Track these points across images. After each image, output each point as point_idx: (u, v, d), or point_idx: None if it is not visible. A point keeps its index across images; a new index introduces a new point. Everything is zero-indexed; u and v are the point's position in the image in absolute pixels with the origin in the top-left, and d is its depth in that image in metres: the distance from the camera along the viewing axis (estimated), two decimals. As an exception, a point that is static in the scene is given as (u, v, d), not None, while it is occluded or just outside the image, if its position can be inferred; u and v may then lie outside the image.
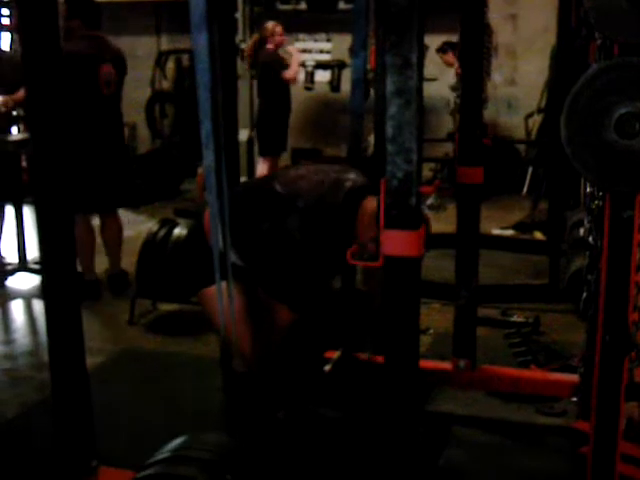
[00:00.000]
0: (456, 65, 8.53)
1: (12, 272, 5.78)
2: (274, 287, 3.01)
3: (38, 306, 5.14)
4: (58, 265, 2.36)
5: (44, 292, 2.41)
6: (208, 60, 1.85)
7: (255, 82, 8.43)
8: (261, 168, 7.97)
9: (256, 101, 8.77)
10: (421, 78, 1.97)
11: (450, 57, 8.82)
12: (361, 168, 3.28)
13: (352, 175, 3.10)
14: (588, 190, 2.68)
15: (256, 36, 8.17)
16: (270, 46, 7.86)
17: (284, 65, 7.86)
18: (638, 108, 1.85)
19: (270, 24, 7.98)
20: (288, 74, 7.80)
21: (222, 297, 2.05)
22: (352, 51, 3.64)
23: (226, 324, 2.79)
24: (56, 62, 2.24)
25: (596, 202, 2.48)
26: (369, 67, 5.07)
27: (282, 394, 3.13)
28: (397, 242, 1.97)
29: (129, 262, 5.34)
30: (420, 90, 1.97)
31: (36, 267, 5.56)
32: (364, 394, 3.46)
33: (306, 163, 3.36)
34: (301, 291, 3.04)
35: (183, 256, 3.28)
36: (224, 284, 2.04)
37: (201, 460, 2.29)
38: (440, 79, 9.15)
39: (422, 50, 2.02)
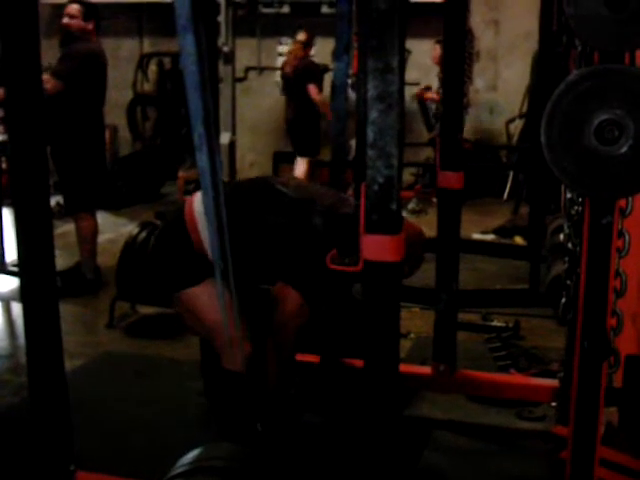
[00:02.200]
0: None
1: (-9, 274, 5.76)
2: (291, 275, 2.99)
3: (17, 309, 5.10)
4: (37, 267, 2.34)
5: (22, 294, 2.39)
6: (197, 62, 1.85)
7: (236, 85, 8.50)
8: (299, 167, 8.38)
9: (240, 104, 8.81)
10: (402, 82, 1.97)
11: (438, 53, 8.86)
12: (344, 172, 3.29)
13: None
14: (568, 196, 2.70)
15: (296, 45, 8.33)
16: (308, 53, 8.19)
17: (318, 74, 8.18)
18: (618, 115, 1.86)
19: (303, 34, 8.21)
20: (314, 93, 8.04)
21: (223, 297, 2.04)
22: (335, 55, 3.64)
23: (219, 324, 2.80)
24: (36, 63, 2.22)
25: (576, 208, 2.49)
26: (351, 71, 5.08)
27: (264, 403, 3.11)
28: (377, 247, 1.96)
29: (109, 265, 5.33)
30: (401, 94, 1.97)
31: (15, 269, 5.53)
32: (345, 399, 3.46)
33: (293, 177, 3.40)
34: (318, 281, 3.03)
35: (157, 256, 3.21)
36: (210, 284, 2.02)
37: (219, 469, 2.29)
38: (422, 83, 9.18)
39: (403, 54, 2.02)
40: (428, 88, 9.01)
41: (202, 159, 1.89)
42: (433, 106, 8.84)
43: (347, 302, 3.52)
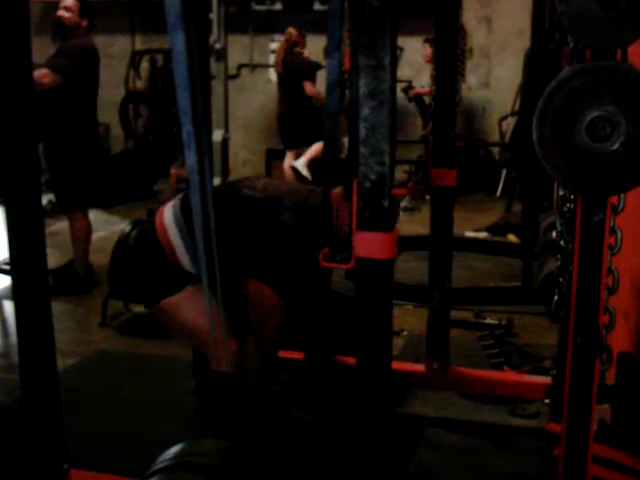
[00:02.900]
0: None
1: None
2: (265, 273, 2.98)
3: (8, 307, 5.09)
4: (28, 266, 2.33)
5: (14, 293, 2.38)
6: (186, 60, 1.85)
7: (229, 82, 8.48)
8: (288, 160, 8.40)
9: (233, 101, 8.79)
10: (394, 80, 1.96)
11: (431, 52, 8.86)
12: (337, 170, 3.29)
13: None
14: (560, 193, 2.69)
15: (284, 43, 8.29)
16: (301, 50, 8.13)
17: (312, 72, 8.17)
18: (610, 112, 1.86)
19: (294, 30, 8.19)
20: (309, 88, 8.04)
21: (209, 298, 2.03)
22: (327, 52, 3.64)
23: (204, 328, 2.80)
24: (25, 60, 2.22)
25: (568, 205, 2.49)
26: (344, 68, 5.07)
27: (252, 401, 3.11)
28: (370, 244, 1.96)
29: (101, 262, 5.31)
30: (393, 92, 1.96)
31: (6, 268, 5.52)
32: (338, 396, 3.46)
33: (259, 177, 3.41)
34: (294, 278, 3.03)
35: (132, 268, 3.24)
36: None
37: (202, 465, 2.29)
38: (415, 81, 9.19)
39: (395, 52, 2.02)
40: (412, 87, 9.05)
41: (190, 157, 1.88)
42: (426, 98, 8.85)
43: (326, 297, 3.53)
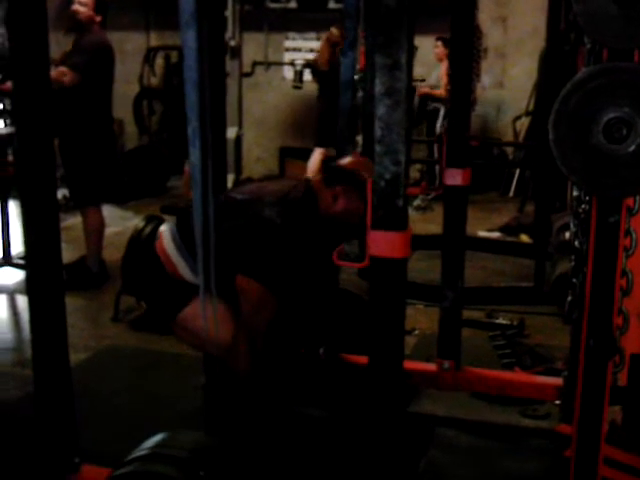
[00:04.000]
0: (443, 67, 8.64)
1: (-4, 267, 5.77)
2: (252, 268, 2.99)
3: (22, 301, 5.11)
4: (42, 260, 2.35)
5: (28, 287, 2.39)
6: (196, 57, 1.85)
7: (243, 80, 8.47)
8: (316, 157, 8.26)
9: (247, 99, 8.78)
10: (410, 79, 1.97)
11: (442, 51, 8.85)
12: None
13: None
14: (575, 194, 2.69)
15: (326, 41, 8.23)
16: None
17: None
18: (626, 113, 1.85)
19: (336, 30, 8.11)
20: None
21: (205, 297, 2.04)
22: (341, 51, 3.64)
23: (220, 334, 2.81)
24: (43, 56, 2.23)
25: (583, 206, 2.48)
26: (358, 67, 5.08)
27: (269, 395, 3.12)
28: (383, 243, 1.97)
29: (114, 258, 5.33)
30: (409, 91, 1.97)
31: (21, 262, 5.54)
32: (349, 394, 3.47)
33: (251, 181, 3.45)
34: (281, 271, 3.03)
35: (143, 292, 3.31)
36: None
37: (175, 458, 2.31)
38: (428, 80, 9.17)
39: (412, 51, 2.02)
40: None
41: (194, 154, 1.89)
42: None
43: (335, 295, 3.53)
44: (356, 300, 3.64)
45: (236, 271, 2.94)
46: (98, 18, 5.33)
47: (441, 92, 8.82)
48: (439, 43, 8.82)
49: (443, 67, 8.85)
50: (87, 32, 5.27)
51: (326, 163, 3.28)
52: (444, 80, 8.81)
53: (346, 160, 3.14)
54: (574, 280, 2.57)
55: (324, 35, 8.38)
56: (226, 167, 3.80)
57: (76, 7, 5.25)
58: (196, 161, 1.91)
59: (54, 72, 5.00)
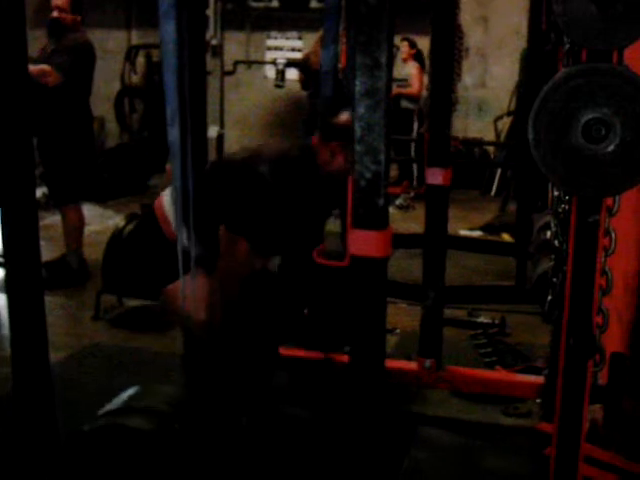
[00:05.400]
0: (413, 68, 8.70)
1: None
2: (237, 222, 2.97)
3: (1, 300, 5.08)
4: (22, 258, 2.33)
5: (7, 285, 2.38)
6: (175, 47, 1.87)
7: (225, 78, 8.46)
8: None
9: (228, 98, 8.77)
10: (390, 79, 1.96)
11: (407, 51, 8.87)
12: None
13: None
14: (555, 194, 2.70)
15: (318, 43, 8.17)
16: None
17: None
18: (605, 114, 1.86)
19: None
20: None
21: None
22: (322, 44, 3.63)
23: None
24: (21, 55, 2.21)
25: (562, 206, 2.49)
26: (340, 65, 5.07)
27: (245, 397, 3.10)
28: (364, 242, 1.97)
29: (95, 257, 5.31)
30: (389, 90, 1.97)
31: (0, 260, 5.51)
32: (330, 393, 3.46)
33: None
34: (267, 228, 3.01)
35: (136, 254, 3.25)
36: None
37: (149, 410, 2.30)
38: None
39: (392, 51, 2.02)
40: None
41: (173, 134, 1.91)
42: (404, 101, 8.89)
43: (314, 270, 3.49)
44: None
45: (220, 222, 2.91)
46: (78, 18, 5.33)
47: (412, 91, 8.83)
48: (405, 43, 8.84)
49: (413, 67, 8.87)
50: (70, 31, 5.26)
51: (323, 120, 3.24)
52: (415, 80, 8.84)
53: (343, 116, 3.11)
54: (554, 279, 2.58)
55: (318, 34, 8.36)
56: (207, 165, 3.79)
57: (57, 14, 5.23)
58: (175, 140, 1.92)
59: (35, 68, 4.98)
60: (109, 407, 2.37)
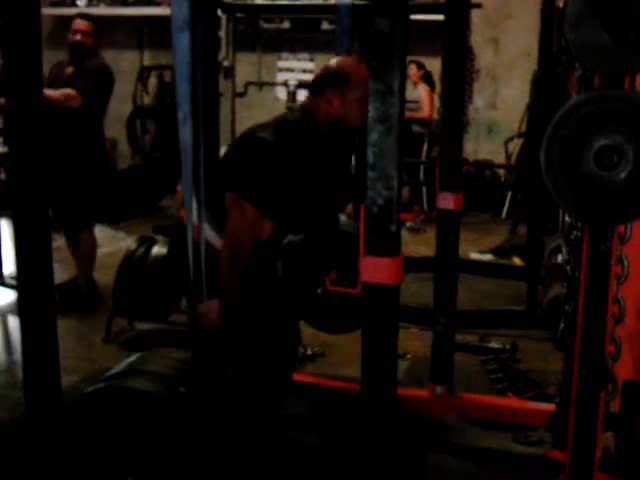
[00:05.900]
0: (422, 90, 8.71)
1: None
2: (243, 186, 2.90)
3: (14, 322, 5.09)
4: (35, 281, 2.33)
5: (20, 308, 2.38)
6: (188, 56, 1.91)
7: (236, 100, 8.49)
8: None
9: (240, 119, 8.80)
10: (403, 104, 1.97)
11: (415, 74, 8.88)
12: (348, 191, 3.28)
13: None
14: (567, 220, 2.69)
15: None
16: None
17: None
18: (617, 141, 1.86)
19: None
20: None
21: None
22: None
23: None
24: (36, 74, 2.22)
25: (574, 233, 2.48)
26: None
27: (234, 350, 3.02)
28: (376, 269, 1.96)
29: (106, 279, 5.31)
30: (402, 116, 1.97)
31: (13, 282, 5.51)
32: (341, 419, 3.45)
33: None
34: (273, 191, 2.98)
35: (168, 274, 3.20)
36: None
37: (153, 373, 2.28)
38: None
39: (404, 77, 2.02)
40: None
41: (185, 132, 1.93)
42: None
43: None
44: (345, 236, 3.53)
45: (227, 189, 2.89)
46: (99, 42, 5.37)
47: (424, 115, 8.83)
48: (412, 66, 8.85)
49: (422, 90, 8.88)
50: (90, 55, 5.27)
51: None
52: (425, 103, 8.84)
53: (324, 65, 3.08)
54: (566, 307, 2.57)
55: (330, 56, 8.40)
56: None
57: (80, 38, 5.24)
58: (187, 139, 1.94)
59: (59, 93, 5.00)
60: (114, 370, 2.35)
